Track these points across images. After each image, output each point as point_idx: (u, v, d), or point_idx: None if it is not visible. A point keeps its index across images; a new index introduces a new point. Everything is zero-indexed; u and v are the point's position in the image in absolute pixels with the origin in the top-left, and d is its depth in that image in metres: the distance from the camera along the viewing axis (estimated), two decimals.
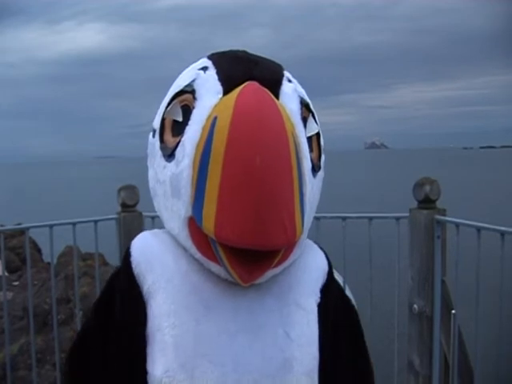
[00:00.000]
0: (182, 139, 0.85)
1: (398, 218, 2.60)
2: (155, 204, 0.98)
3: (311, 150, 0.91)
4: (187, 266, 0.89)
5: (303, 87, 0.98)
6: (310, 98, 0.95)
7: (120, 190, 2.74)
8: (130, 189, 2.72)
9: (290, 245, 0.82)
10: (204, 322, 0.85)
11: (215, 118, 0.79)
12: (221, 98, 0.84)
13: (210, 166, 0.76)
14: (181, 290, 0.88)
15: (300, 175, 0.79)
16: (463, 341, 2.45)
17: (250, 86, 0.80)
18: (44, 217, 4.86)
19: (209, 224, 0.75)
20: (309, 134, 0.91)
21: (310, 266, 0.97)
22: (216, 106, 0.83)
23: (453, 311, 0.97)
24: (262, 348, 0.86)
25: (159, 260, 0.91)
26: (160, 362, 0.86)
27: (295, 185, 0.77)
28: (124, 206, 2.72)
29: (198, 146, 0.81)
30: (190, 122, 0.85)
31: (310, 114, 0.93)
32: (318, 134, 0.95)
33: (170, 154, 0.87)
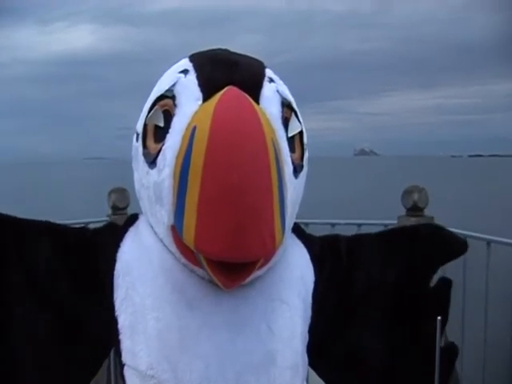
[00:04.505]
0: (163, 148, 0.85)
1: (386, 225, 2.61)
2: (141, 207, 0.98)
3: (293, 151, 0.90)
4: (172, 264, 0.90)
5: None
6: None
7: (110, 192, 2.73)
8: (121, 192, 2.72)
9: (269, 255, 0.83)
10: (188, 317, 0.87)
11: (194, 128, 0.78)
12: (200, 105, 0.84)
13: (189, 178, 0.75)
14: (165, 286, 0.89)
15: (280, 182, 0.79)
16: None
17: (229, 93, 0.79)
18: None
19: (189, 236, 0.76)
20: (291, 134, 0.90)
21: (292, 264, 0.98)
22: (196, 113, 0.82)
23: (438, 317, 1.00)
24: (245, 342, 0.87)
25: (145, 255, 0.93)
26: (143, 353, 0.87)
27: (275, 194, 0.76)
28: (115, 208, 2.72)
29: (178, 155, 0.81)
30: (170, 130, 0.85)
31: (293, 113, 0.92)
32: (300, 133, 0.93)
33: (152, 162, 0.87)
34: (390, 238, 1.15)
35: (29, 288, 0.94)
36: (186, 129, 0.81)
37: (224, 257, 0.74)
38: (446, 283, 1.14)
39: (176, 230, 0.81)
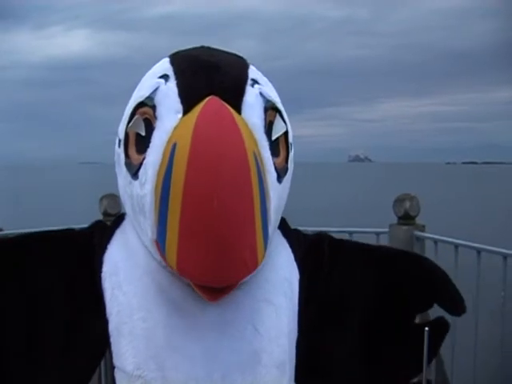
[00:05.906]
0: (144, 162, 0.83)
1: (378, 233, 2.63)
2: (126, 210, 0.97)
3: (278, 154, 0.88)
4: (157, 267, 0.90)
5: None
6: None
7: (102, 198, 2.73)
8: (112, 198, 2.71)
9: (251, 274, 0.82)
10: (174, 317, 0.87)
11: (175, 145, 0.77)
12: (181, 118, 0.82)
13: (170, 197, 0.75)
14: (151, 286, 0.90)
15: (263, 197, 0.78)
16: (441, 360, 2.49)
17: (210, 107, 0.78)
18: (25, 223, 4.80)
19: (171, 258, 0.76)
20: (275, 136, 0.88)
21: (277, 264, 0.98)
22: (176, 128, 0.81)
23: (426, 328, 0.99)
24: (231, 342, 0.88)
25: (131, 257, 0.93)
26: (130, 354, 0.87)
27: (256, 211, 0.76)
28: (106, 214, 2.71)
29: (159, 172, 0.80)
30: (150, 145, 0.83)
31: (277, 114, 0.89)
32: (286, 133, 0.90)
33: (134, 173, 0.86)
34: (381, 259, 1.14)
35: (28, 303, 0.94)
36: (167, 143, 0.80)
37: (205, 281, 0.76)
38: (442, 326, 1.15)
39: (159, 246, 0.81)
